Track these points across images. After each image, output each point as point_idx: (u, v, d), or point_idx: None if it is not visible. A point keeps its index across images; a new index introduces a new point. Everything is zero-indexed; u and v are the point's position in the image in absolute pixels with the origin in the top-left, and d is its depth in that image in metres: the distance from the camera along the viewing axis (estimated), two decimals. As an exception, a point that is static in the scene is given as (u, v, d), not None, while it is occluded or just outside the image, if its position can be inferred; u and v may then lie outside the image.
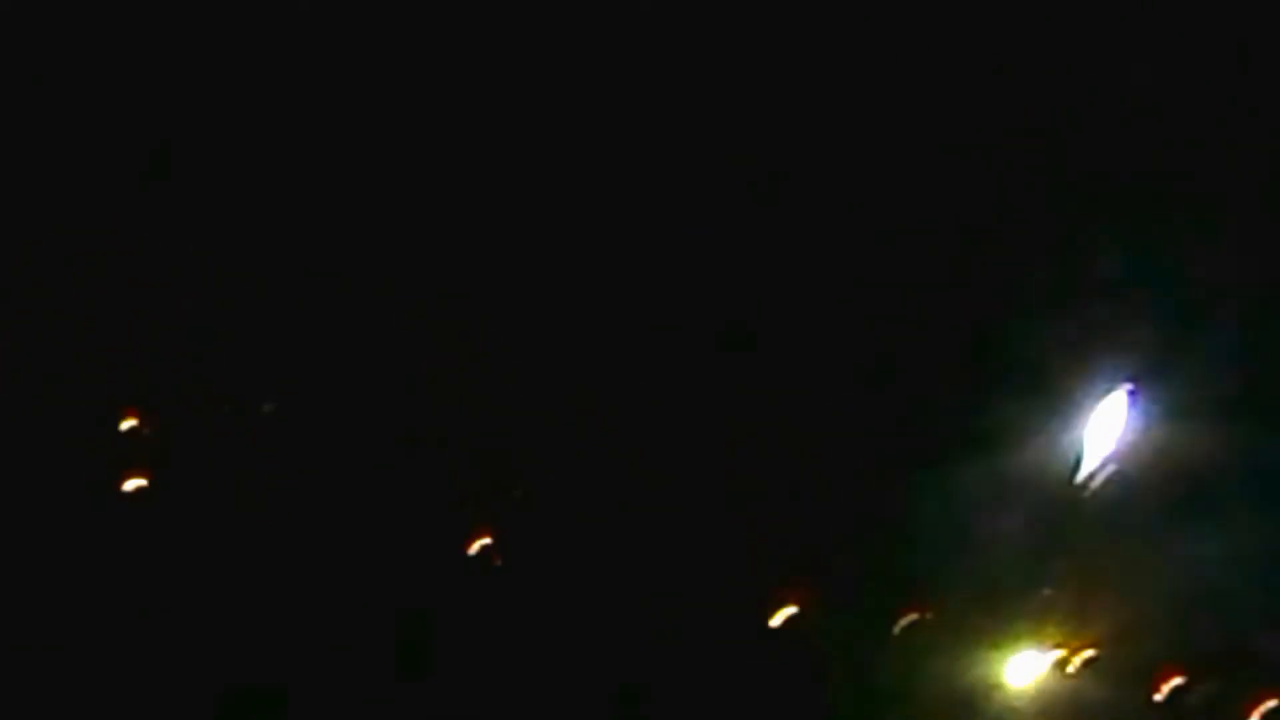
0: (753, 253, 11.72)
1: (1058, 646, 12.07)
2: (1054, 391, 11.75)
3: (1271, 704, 11.90)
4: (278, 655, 11.63)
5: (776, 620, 12.11)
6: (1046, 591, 12.02)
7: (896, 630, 12.11)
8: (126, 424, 12.33)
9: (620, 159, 11.76)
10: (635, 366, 11.83)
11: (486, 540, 12.21)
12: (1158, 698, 12.01)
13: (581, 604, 11.95)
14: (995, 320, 11.71)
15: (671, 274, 11.71)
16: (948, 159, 11.50)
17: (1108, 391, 11.89)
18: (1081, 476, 11.92)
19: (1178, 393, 11.74)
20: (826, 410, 12.16)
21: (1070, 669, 12.09)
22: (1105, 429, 11.95)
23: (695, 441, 11.99)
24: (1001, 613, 11.93)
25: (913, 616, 12.07)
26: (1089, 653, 12.12)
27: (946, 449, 11.87)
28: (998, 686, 11.86)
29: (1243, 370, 11.52)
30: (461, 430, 12.21)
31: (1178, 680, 12.08)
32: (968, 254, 11.81)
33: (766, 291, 11.82)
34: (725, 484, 12.05)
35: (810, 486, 12.09)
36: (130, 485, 12.21)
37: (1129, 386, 11.88)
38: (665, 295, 11.76)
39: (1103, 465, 11.95)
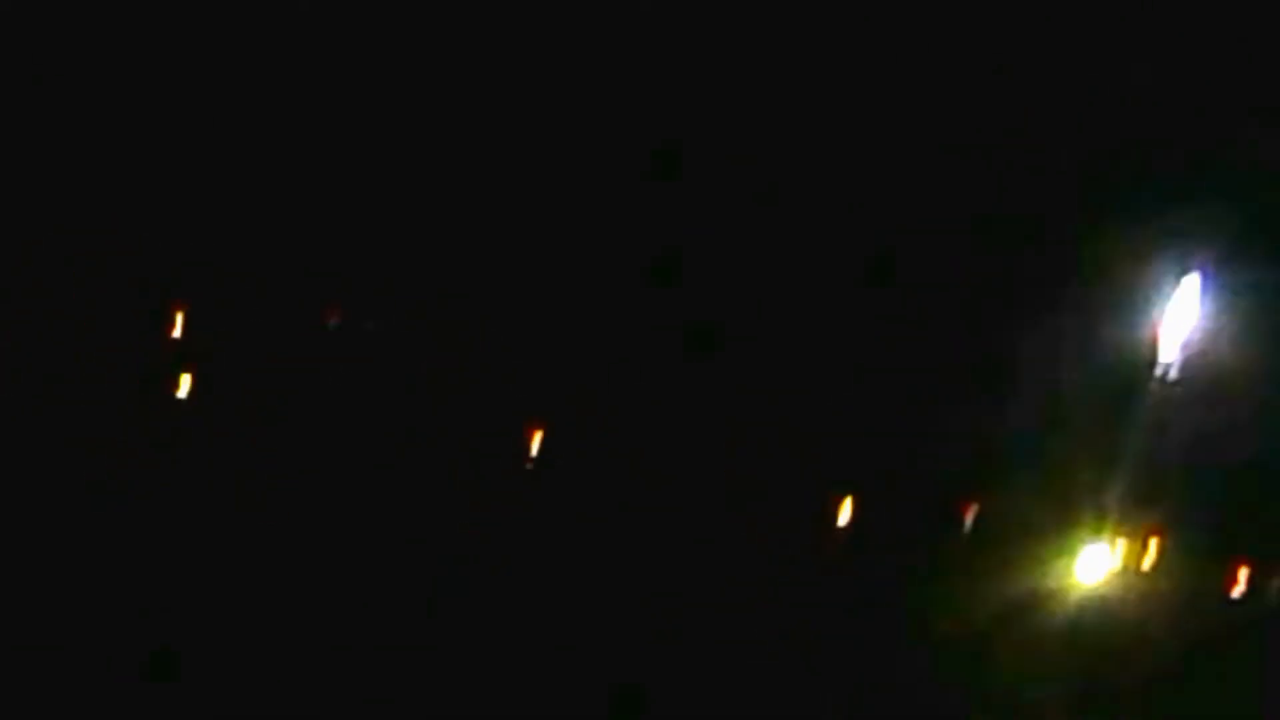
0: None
1: (1129, 543, 11.69)
2: (1125, 279, 11.41)
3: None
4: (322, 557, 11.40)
5: (842, 521, 11.74)
6: (1118, 488, 11.64)
7: (963, 530, 11.71)
8: (178, 323, 12.01)
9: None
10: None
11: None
12: (1234, 591, 11.65)
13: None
14: (1067, 207, 11.38)
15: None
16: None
17: (1181, 279, 11.55)
18: (1154, 366, 11.58)
19: (1252, 279, 11.39)
20: (884, 300, 11.80)
21: (1142, 564, 11.73)
22: (1178, 317, 11.60)
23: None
24: (1071, 509, 11.54)
25: (976, 515, 11.67)
26: (1160, 548, 11.75)
27: (1013, 341, 11.52)
28: (1069, 585, 11.49)
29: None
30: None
31: (1252, 571, 11.73)
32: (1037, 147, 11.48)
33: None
34: (778, 381, 11.70)
35: (870, 380, 11.74)
36: (180, 387, 11.90)
37: (1202, 273, 11.54)
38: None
39: (1176, 354, 11.61)
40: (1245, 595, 11.72)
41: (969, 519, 11.88)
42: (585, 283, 11.86)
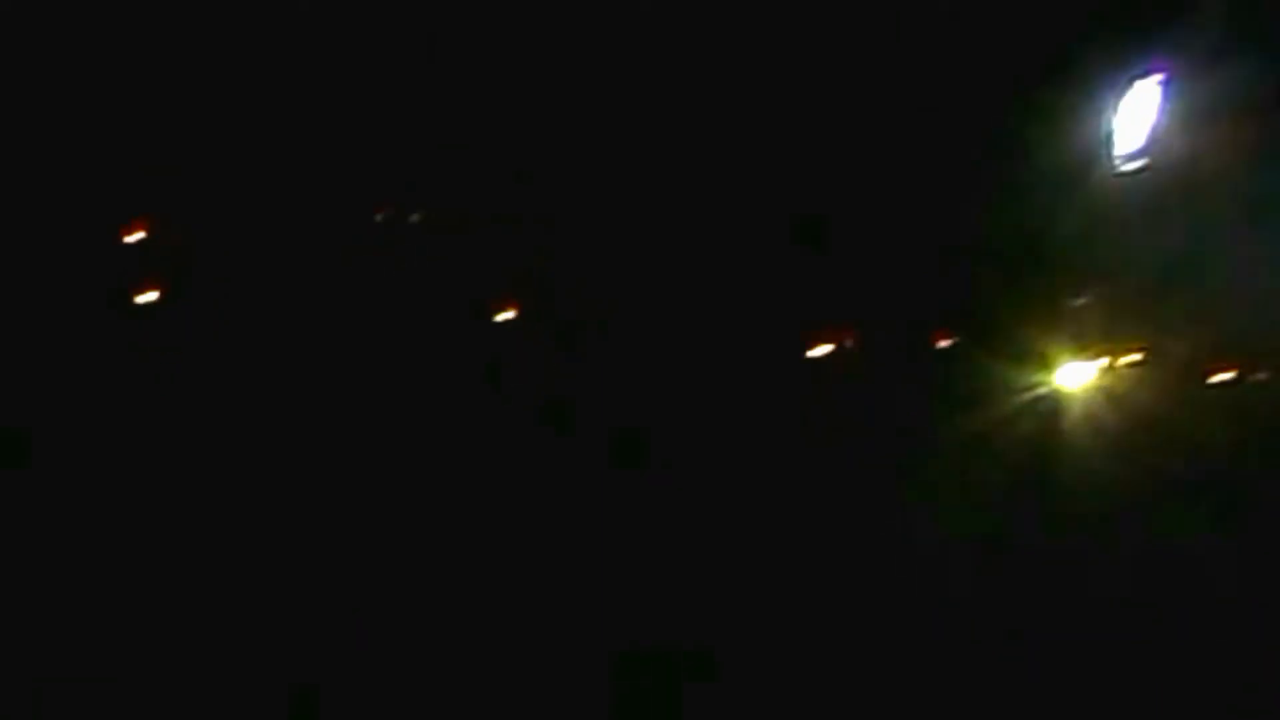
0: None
1: (1101, 353, 11.73)
2: (1083, 80, 11.32)
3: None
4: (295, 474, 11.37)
5: (816, 353, 11.77)
6: (1084, 298, 11.65)
7: (935, 350, 11.74)
8: (137, 234, 11.86)
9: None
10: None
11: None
12: (1209, 388, 11.72)
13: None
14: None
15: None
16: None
17: (1138, 82, 11.46)
18: (1111, 168, 11.54)
19: (1212, 86, 11.30)
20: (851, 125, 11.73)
21: (1117, 372, 11.78)
22: (1136, 120, 11.53)
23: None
24: (1039, 321, 11.56)
25: (946, 343, 11.70)
26: (1134, 355, 11.79)
27: (974, 155, 11.47)
28: (1047, 395, 11.54)
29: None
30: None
31: (1227, 374, 11.78)
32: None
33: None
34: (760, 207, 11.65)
35: (837, 208, 11.71)
36: (143, 298, 11.78)
37: (1161, 78, 11.44)
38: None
39: (1133, 157, 11.56)
40: (1220, 392, 11.77)
41: (942, 344, 11.89)
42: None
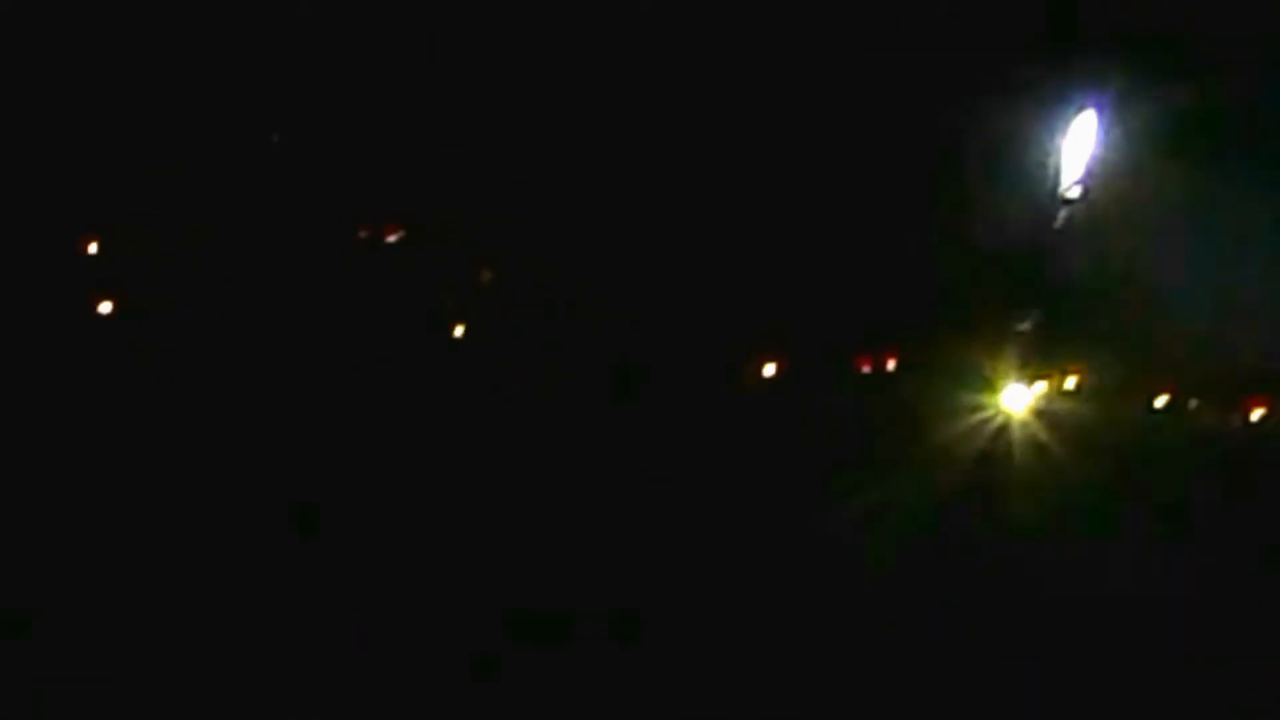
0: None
1: (1043, 376, 11.93)
2: (1028, 107, 11.57)
3: (1260, 410, 11.85)
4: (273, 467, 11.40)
5: (758, 377, 11.90)
6: (1026, 323, 11.87)
7: (881, 374, 11.91)
8: (91, 247, 11.95)
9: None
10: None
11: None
12: (1149, 412, 11.94)
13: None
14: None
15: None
16: None
17: (1078, 112, 11.73)
18: (1055, 194, 11.78)
19: (1148, 115, 11.59)
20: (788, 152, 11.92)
21: (1059, 395, 11.98)
22: (1078, 147, 11.80)
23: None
24: (983, 347, 11.76)
25: (891, 360, 11.88)
26: (1074, 379, 12.00)
27: (918, 173, 11.70)
28: (991, 419, 11.71)
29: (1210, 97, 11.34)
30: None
31: (1165, 396, 12.01)
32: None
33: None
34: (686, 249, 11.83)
35: (782, 226, 11.88)
36: (102, 308, 11.85)
37: (1098, 107, 11.72)
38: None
39: (1075, 183, 11.82)
40: (1163, 413, 11.98)
41: (888, 366, 12.06)
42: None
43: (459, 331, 11.97)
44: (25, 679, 9.88)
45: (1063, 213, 11.84)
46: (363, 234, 11.82)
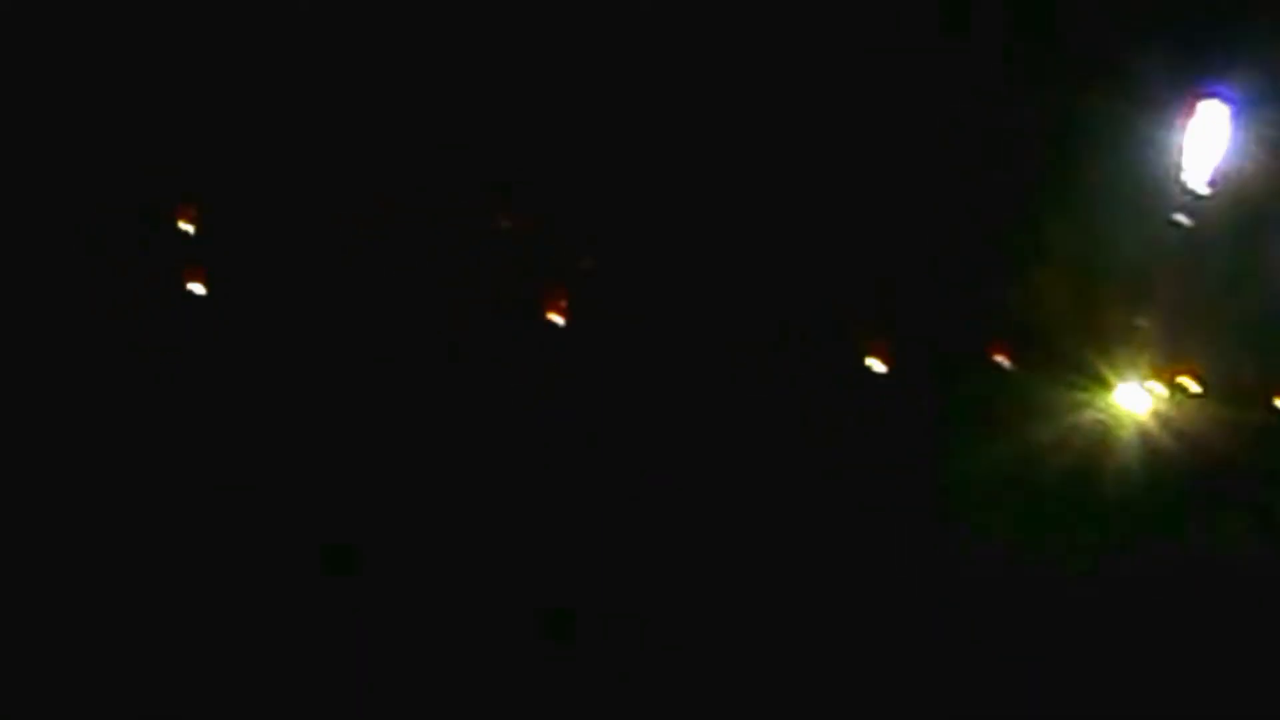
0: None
1: (1162, 376, 11.62)
2: (1154, 102, 11.25)
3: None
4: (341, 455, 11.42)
5: (875, 366, 11.72)
6: (1145, 320, 11.56)
7: (991, 369, 11.67)
8: (184, 225, 12.02)
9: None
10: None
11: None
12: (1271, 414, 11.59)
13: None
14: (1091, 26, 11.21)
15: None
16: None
17: (1209, 107, 11.38)
18: (1179, 191, 11.46)
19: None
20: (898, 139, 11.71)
21: (1179, 396, 11.66)
22: (1206, 145, 11.44)
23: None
24: (1101, 346, 11.47)
25: (1002, 359, 11.63)
26: (1194, 380, 11.67)
27: (1038, 169, 11.43)
28: (1108, 418, 11.44)
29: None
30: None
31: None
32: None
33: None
34: (798, 236, 11.65)
35: (890, 225, 11.68)
36: (191, 287, 11.92)
37: (1231, 103, 11.36)
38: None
39: (1201, 181, 11.48)
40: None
41: (1003, 361, 11.82)
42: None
43: (557, 319, 11.88)
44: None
45: (1187, 208, 11.49)
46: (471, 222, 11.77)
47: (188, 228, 12.08)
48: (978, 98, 11.46)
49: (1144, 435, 11.59)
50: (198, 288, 12.01)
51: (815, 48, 11.39)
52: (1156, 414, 11.63)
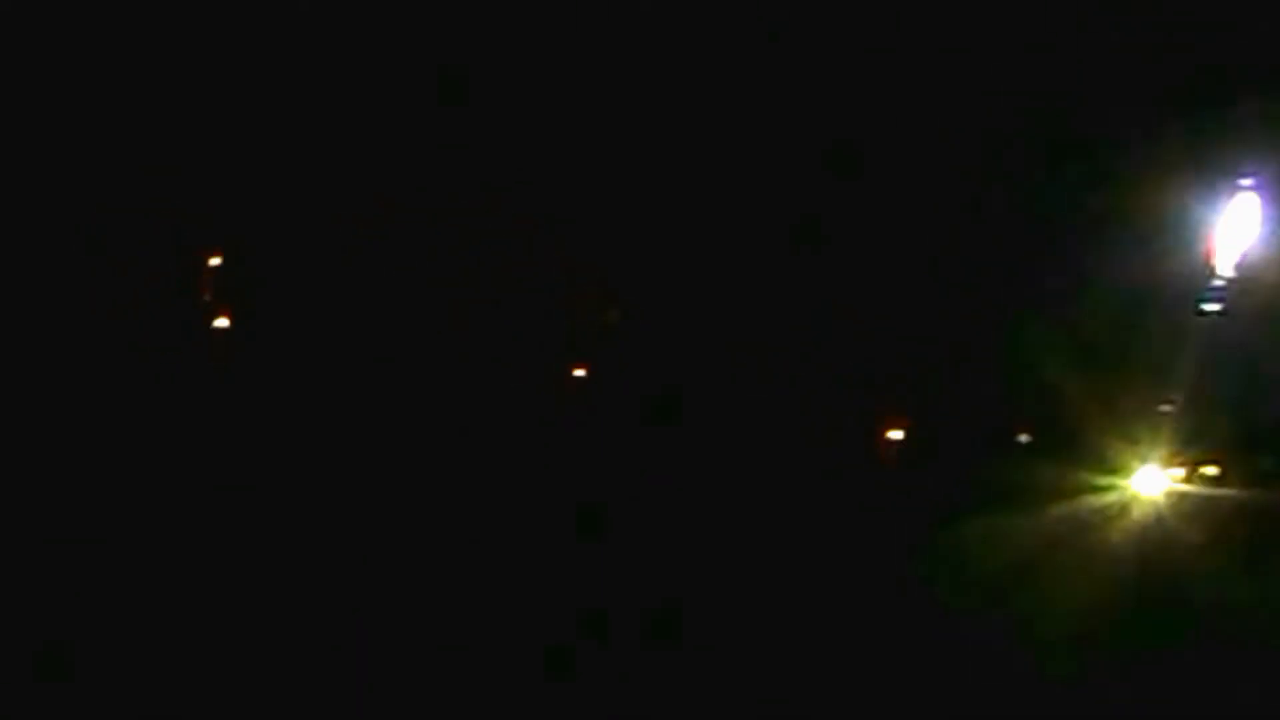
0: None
1: (1183, 460, 11.61)
2: (1178, 194, 11.11)
3: None
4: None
5: (894, 438, 11.81)
6: (1168, 406, 11.53)
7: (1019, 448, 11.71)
8: (212, 262, 12.26)
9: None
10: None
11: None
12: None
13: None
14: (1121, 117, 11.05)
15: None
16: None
17: (1234, 194, 11.22)
18: (1205, 281, 11.36)
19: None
20: (929, 221, 11.67)
21: (1198, 479, 11.65)
22: (1233, 232, 11.30)
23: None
24: (1124, 429, 11.47)
25: (1028, 436, 11.66)
26: (1214, 464, 11.65)
27: (1064, 255, 11.37)
28: (1131, 498, 11.47)
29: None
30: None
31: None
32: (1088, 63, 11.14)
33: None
34: (825, 309, 11.68)
35: (921, 305, 11.67)
36: (218, 323, 12.18)
37: (1258, 189, 11.19)
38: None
39: (1229, 267, 11.36)
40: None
41: (1024, 441, 11.86)
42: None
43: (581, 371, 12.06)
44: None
45: (1212, 293, 11.40)
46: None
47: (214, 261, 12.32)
48: (1011, 184, 11.36)
49: (1162, 518, 11.61)
50: (222, 322, 12.30)
51: (844, 124, 11.34)
52: (1173, 497, 11.64)
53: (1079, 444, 11.55)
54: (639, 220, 11.82)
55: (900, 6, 11.19)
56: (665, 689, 10.61)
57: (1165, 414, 11.43)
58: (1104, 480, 11.56)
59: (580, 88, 11.71)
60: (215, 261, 12.34)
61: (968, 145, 11.58)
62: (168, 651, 10.36)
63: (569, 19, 11.53)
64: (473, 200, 11.87)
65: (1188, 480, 11.53)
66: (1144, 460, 11.49)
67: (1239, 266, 11.43)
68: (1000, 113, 11.50)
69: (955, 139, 11.54)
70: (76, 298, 11.64)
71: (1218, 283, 11.41)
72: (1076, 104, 11.43)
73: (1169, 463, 11.52)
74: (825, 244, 11.72)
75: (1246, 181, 11.28)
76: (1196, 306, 11.37)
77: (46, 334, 11.45)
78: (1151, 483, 11.41)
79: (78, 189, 11.67)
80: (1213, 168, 11.26)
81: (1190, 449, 11.46)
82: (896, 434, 11.73)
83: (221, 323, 12.29)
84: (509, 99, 11.77)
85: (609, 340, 12.12)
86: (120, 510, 10.93)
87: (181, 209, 11.95)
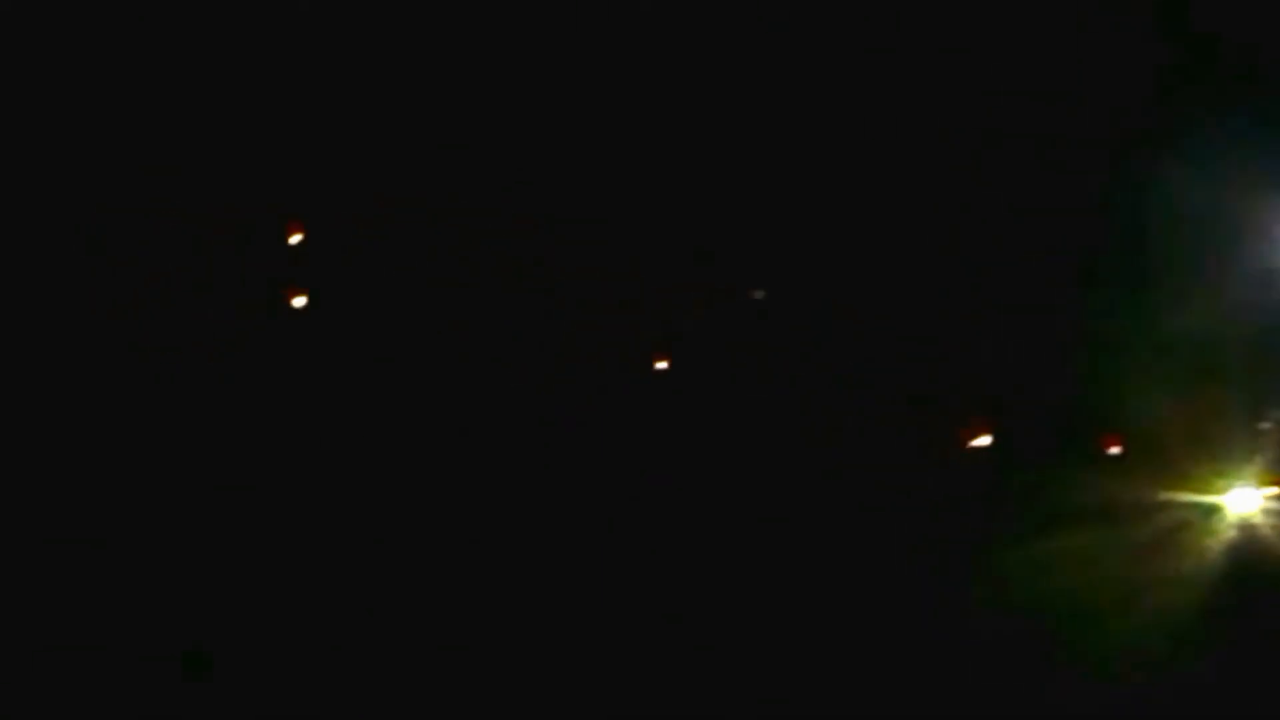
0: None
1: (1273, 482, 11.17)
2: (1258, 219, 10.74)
3: None
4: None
5: (970, 447, 11.43)
6: (1267, 421, 11.10)
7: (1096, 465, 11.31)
8: (294, 238, 12.06)
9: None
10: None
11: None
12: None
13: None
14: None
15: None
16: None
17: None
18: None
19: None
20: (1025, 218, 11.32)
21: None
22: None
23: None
24: (1212, 448, 11.04)
25: (1115, 451, 11.24)
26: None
27: (1154, 271, 10.98)
28: (1216, 521, 11.05)
29: None
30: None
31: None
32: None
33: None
34: (898, 310, 11.36)
35: (997, 305, 11.32)
36: (296, 301, 11.99)
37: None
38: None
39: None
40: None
41: (1113, 450, 11.45)
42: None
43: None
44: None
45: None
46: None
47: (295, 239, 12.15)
48: (1104, 180, 11.00)
49: (1255, 539, 11.18)
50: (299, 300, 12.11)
51: (900, 138, 11.05)
52: (1271, 517, 11.20)
53: (1173, 459, 11.11)
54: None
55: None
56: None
57: (1264, 429, 10.97)
58: (1197, 498, 11.12)
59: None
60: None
61: (1068, 142, 11.26)
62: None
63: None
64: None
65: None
66: (1239, 479, 11.02)
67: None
68: (1098, 109, 11.18)
69: (1061, 134, 11.23)
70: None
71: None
72: (1178, 102, 11.08)
73: (1265, 481, 11.04)
74: (907, 234, 11.46)
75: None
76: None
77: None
78: (1247, 501, 10.94)
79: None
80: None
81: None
82: (980, 440, 11.29)
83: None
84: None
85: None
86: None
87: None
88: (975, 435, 11.56)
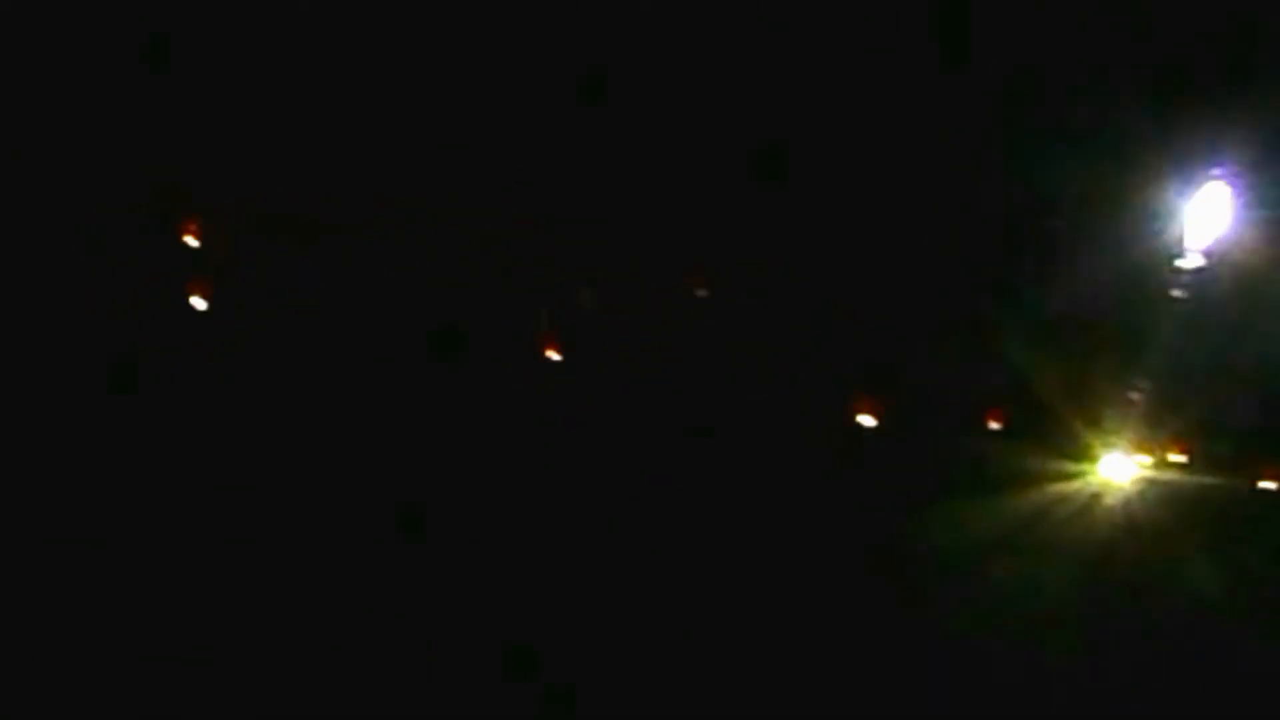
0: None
1: (1150, 449, 11.67)
2: (1149, 181, 11.22)
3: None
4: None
5: (860, 425, 11.81)
6: (1136, 393, 11.60)
7: (982, 436, 11.75)
8: (189, 238, 12.17)
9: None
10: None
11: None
12: (1255, 492, 11.62)
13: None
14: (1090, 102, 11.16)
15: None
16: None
17: (1206, 182, 11.34)
18: (1175, 269, 11.46)
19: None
20: (904, 203, 11.73)
21: (1163, 467, 11.71)
22: (1204, 217, 11.42)
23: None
24: (1090, 415, 11.53)
25: (996, 424, 11.69)
26: (1181, 454, 11.71)
27: (1029, 254, 11.45)
28: (1097, 488, 11.52)
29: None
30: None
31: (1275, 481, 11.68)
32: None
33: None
34: (798, 291, 11.71)
35: (891, 287, 11.72)
36: (195, 301, 12.09)
37: (1229, 178, 11.31)
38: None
39: (1198, 254, 11.47)
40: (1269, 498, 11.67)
41: (993, 424, 11.89)
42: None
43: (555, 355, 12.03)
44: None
45: (1182, 281, 11.49)
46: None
47: (192, 241, 12.24)
48: (982, 169, 11.44)
49: (1128, 506, 11.66)
50: (199, 302, 12.19)
51: (823, 116, 11.41)
52: (1141, 484, 11.69)
53: (1049, 430, 11.58)
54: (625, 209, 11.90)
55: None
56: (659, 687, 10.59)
57: (1134, 401, 11.48)
58: (1073, 466, 11.60)
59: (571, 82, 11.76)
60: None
61: (942, 131, 11.66)
62: (167, 652, 10.30)
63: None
64: (466, 196, 11.90)
65: (1155, 467, 11.57)
66: (1112, 447, 11.52)
67: (1208, 254, 11.54)
68: (972, 99, 11.62)
69: (929, 125, 11.63)
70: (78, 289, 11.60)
71: (1187, 270, 11.51)
72: (1049, 91, 11.55)
73: (1137, 449, 11.56)
74: (790, 224, 11.79)
75: (1217, 170, 11.42)
76: (1166, 294, 11.46)
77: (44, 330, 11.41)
78: (1119, 469, 11.45)
79: (78, 184, 11.66)
80: (1184, 156, 11.39)
81: (1158, 436, 11.50)
82: (865, 419, 11.70)
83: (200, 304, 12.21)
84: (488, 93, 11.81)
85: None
86: (120, 505, 10.82)
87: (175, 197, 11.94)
88: (863, 412, 11.95)
